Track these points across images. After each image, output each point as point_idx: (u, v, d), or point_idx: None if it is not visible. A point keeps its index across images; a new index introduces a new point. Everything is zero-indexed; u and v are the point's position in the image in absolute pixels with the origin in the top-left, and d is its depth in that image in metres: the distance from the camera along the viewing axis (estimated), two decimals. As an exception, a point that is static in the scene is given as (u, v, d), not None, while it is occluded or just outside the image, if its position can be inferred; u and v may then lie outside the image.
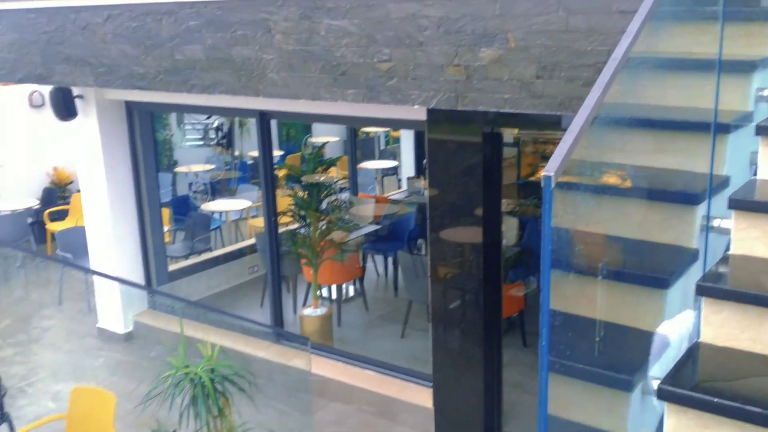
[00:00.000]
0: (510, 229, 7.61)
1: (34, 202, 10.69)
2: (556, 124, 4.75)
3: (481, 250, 5.41)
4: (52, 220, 10.88)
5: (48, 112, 11.47)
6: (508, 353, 6.17)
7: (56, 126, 11.61)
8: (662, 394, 2.22)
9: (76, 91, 7.26)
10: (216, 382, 4.36)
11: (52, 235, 10.58)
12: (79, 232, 9.00)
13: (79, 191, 11.89)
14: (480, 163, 5.27)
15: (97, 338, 8.04)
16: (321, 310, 7.31)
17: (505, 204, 6.46)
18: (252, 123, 8.31)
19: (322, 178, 7.13)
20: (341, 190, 7.64)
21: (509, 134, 5.78)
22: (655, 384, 2.25)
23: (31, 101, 11.34)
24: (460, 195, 5.40)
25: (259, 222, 8.31)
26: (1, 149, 11.10)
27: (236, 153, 12.00)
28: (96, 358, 7.57)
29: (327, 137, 11.13)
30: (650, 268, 2.73)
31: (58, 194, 11.42)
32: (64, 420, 5.19)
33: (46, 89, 11.35)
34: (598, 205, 2.54)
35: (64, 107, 7.14)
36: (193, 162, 12.31)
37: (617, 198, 2.75)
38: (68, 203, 11.14)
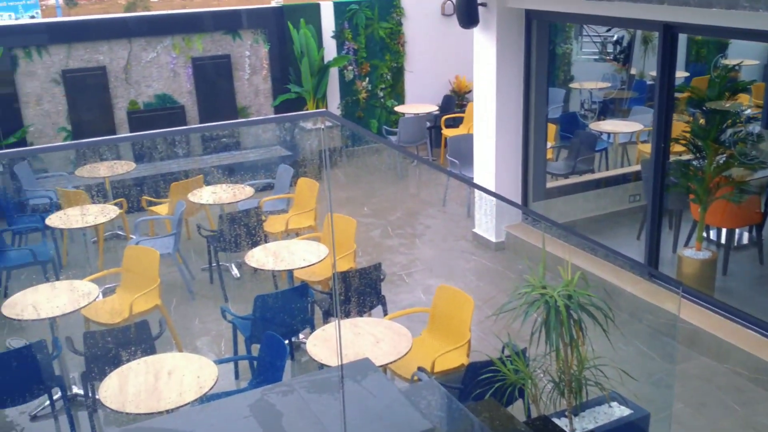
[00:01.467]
0: None
1: (434, 108, 11.43)
2: None
3: None
4: (447, 126, 11.53)
5: (456, 20, 12.06)
6: None
7: (463, 35, 12.14)
8: None
9: (480, -2, 7.36)
10: (571, 309, 4.16)
11: (446, 139, 11.24)
12: (468, 140, 9.37)
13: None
14: None
15: (470, 242, 8.41)
16: (704, 254, 6.56)
17: None
18: (656, 39, 7.55)
19: (728, 105, 6.21)
20: (749, 120, 6.57)
21: None
22: None
23: (443, 9, 11.96)
24: None
25: (649, 148, 7.67)
26: (412, 56, 12.01)
27: (633, 71, 11.20)
28: (467, 261, 7.93)
29: (743, 59, 9.71)
30: None
31: (456, 102, 12.03)
32: (428, 313, 5.53)
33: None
34: None
35: (468, 14, 7.29)
36: (588, 78, 11.85)
37: None
38: (464, 111, 11.67)
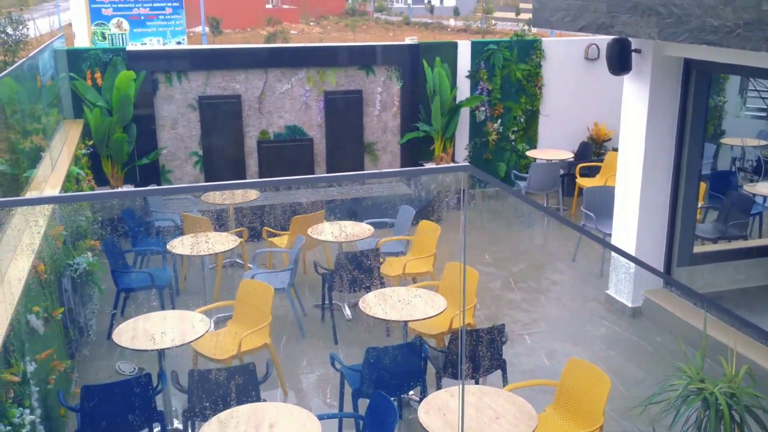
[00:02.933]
0: None
1: (568, 155, 10.81)
2: None
3: None
4: (582, 175, 10.87)
5: (600, 65, 11.42)
6: None
7: (605, 81, 11.48)
8: None
9: (634, 44, 6.78)
10: (734, 409, 3.51)
11: (580, 189, 10.57)
12: (606, 192, 8.71)
13: (614, 149, 11.66)
14: None
15: (602, 304, 7.72)
16: None
17: None
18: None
19: None
20: None
21: None
22: None
23: (586, 53, 11.38)
24: None
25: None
26: (549, 99, 11.47)
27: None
28: (597, 326, 7.25)
29: None
30: None
31: (593, 150, 11.35)
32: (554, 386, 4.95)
33: (602, 43, 11.24)
34: None
35: (619, 60, 6.73)
36: (740, 134, 10.89)
37: None
38: (601, 160, 10.97)
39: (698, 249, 7.67)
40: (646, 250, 7.28)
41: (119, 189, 9.68)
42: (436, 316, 5.57)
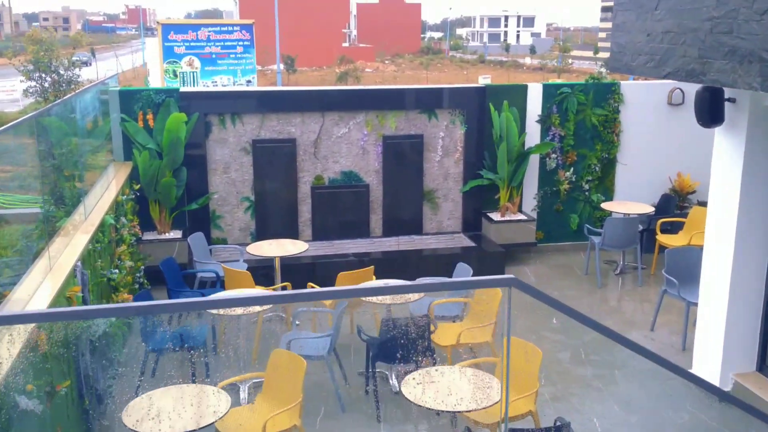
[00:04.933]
0: None
1: (649, 209, 9.85)
2: None
3: None
4: (664, 231, 9.89)
5: (684, 111, 10.48)
6: None
7: (690, 128, 10.50)
8: None
9: (728, 93, 5.93)
10: None
11: (660, 247, 9.59)
12: (691, 254, 7.76)
13: (698, 203, 10.61)
14: None
15: (685, 386, 6.73)
16: None
17: None
18: None
19: None
20: None
21: None
22: None
23: (669, 98, 10.46)
24: None
25: None
26: (627, 147, 10.57)
27: None
28: (679, 411, 6.28)
29: None
30: None
31: (676, 203, 10.36)
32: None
33: (688, 87, 10.30)
34: None
35: (710, 111, 5.89)
36: None
37: None
38: (685, 215, 9.97)
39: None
40: (738, 325, 6.32)
41: (167, 235, 9.30)
42: (487, 408, 4.80)
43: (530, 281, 9.50)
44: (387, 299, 6.60)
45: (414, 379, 5.06)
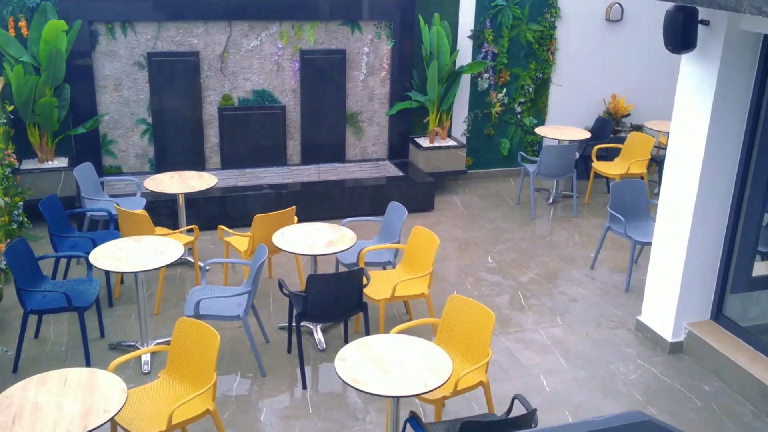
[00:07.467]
0: None
1: (584, 134, 9.23)
2: None
3: None
4: (599, 157, 9.36)
5: (623, 28, 9.80)
6: None
7: (627, 46, 9.87)
8: None
9: (702, 14, 5.20)
10: None
11: (596, 174, 9.08)
12: (638, 189, 7.22)
13: (632, 127, 10.12)
14: None
15: (632, 333, 6.29)
16: None
17: None
18: None
19: None
20: None
21: None
22: None
23: (608, 14, 9.72)
24: None
25: None
26: (563, 66, 9.85)
27: None
28: (627, 364, 5.82)
29: None
30: None
31: (612, 127, 9.80)
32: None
33: (628, 1, 9.59)
34: None
35: (683, 35, 5.14)
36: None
37: None
38: (621, 141, 9.45)
39: (758, 271, 6.19)
40: (695, 269, 5.84)
41: (50, 164, 8.02)
42: (438, 388, 4.09)
43: (460, 212, 8.82)
44: (314, 249, 5.73)
45: (348, 356, 4.27)
